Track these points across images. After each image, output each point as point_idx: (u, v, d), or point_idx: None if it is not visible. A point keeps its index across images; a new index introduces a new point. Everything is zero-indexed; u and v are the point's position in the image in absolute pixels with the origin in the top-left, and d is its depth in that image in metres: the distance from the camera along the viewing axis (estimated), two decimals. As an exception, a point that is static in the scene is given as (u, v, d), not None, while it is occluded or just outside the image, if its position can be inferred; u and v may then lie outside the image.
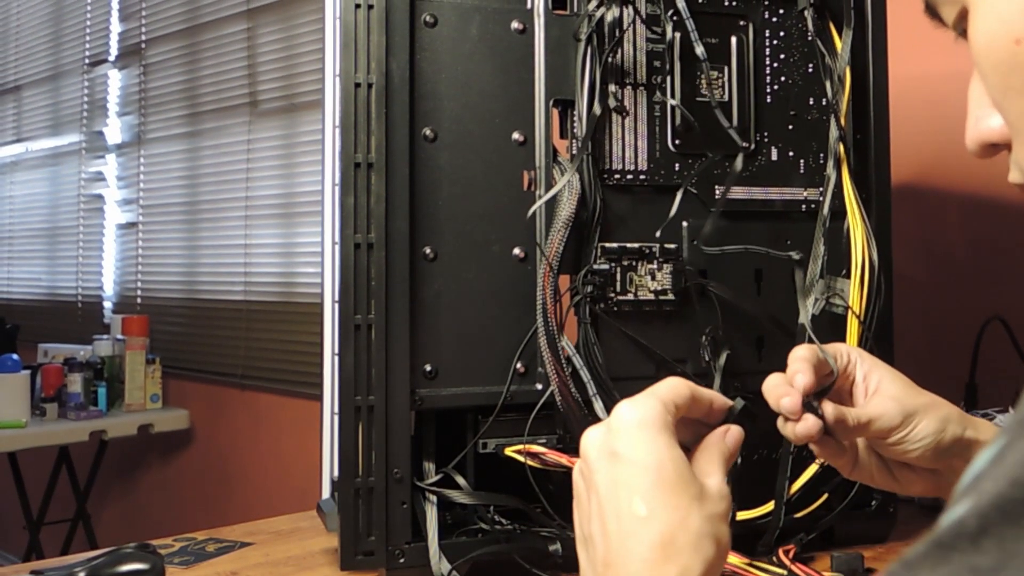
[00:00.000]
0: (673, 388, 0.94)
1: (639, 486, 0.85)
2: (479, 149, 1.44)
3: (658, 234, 1.48)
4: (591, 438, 0.92)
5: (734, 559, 1.38)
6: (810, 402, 1.04)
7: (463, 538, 1.41)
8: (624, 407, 0.91)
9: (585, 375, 1.40)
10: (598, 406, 1.40)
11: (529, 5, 1.47)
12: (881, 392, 1.09)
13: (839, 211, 1.52)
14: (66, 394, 4.38)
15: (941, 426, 1.05)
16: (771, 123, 1.57)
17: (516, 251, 1.44)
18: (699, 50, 1.50)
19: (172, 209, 5.01)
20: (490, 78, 1.45)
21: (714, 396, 0.99)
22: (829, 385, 1.07)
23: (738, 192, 1.54)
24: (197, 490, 4.78)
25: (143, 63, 5.23)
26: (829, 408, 1.04)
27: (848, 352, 1.12)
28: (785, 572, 1.37)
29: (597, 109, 1.45)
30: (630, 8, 1.49)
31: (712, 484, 0.90)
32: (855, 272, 1.48)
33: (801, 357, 1.08)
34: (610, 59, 1.48)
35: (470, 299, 1.43)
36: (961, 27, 0.76)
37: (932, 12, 0.80)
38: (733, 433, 0.99)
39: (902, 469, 1.11)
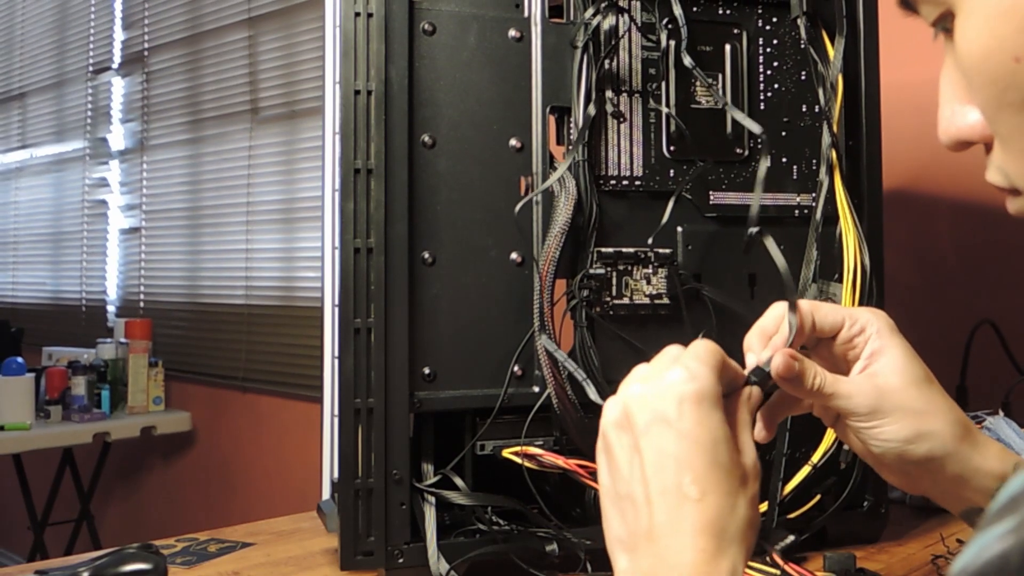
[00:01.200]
0: (715, 355, 0.93)
1: (693, 465, 0.84)
2: (477, 155, 1.44)
3: (650, 240, 1.48)
4: (638, 395, 0.89)
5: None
6: (759, 369, 1.03)
7: (461, 538, 1.41)
8: (679, 374, 0.89)
9: (580, 374, 1.39)
10: (590, 390, 1.40)
11: (526, 13, 1.47)
12: (872, 375, 1.04)
13: (831, 216, 1.52)
14: (70, 397, 4.38)
15: (913, 438, 1.01)
16: (765, 130, 1.57)
17: (513, 256, 1.44)
18: (687, 60, 1.50)
19: (174, 214, 5.01)
20: (488, 85, 1.45)
21: (735, 367, 0.99)
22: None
23: (732, 198, 1.54)
24: (199, 491, 4.78)
25: (146, 71, 5.23)
26: (799, 366, 1.02)
27: (865, 323, 1.07)
28: (778, 572, 1.37)
29: (591, 110, 1.45)
30: (625, 16, 1.49)
31: (748, 463, 0.90)
32: (847, 276, 1.48)
33: (774, 316, 1.09)
34: (606, 66, 1.48)
35: (468, 303, 1.43)
36: (942, 26, 0.74)
37: (907, 5, 0.78)
38: (755, 398, 1.00)
39: (870, 455, 1.07)
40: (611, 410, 0.91)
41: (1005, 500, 0.48)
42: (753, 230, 1.25)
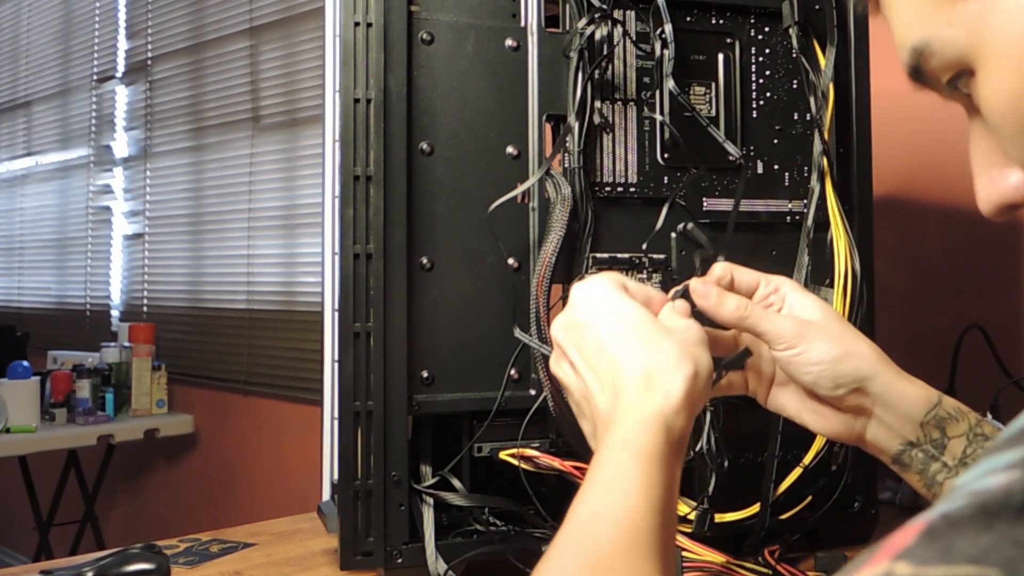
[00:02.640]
0: (615, 272, 1.06)
1: (606, 338, 0.94)
2: (474, 162, 1.44)
3: (644, 246, 1.48)
4: (555, 327, 1.01)
5: (721, 559, 1.38)
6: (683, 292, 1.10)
7: (459, 539, 1.41)
8: (579, 287, 1.00)
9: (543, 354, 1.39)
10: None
11: (522, 23, 1.47)
12: (791, 313, 1.11)
13: (823, 222, 1.53)
14: (75, 400, 4.37)
15: (840, 356, 1.06)
16: (757, 137, 1.57)
17: (510, 261, 1.44)
18: (670, 84, 1.51)
19: (177, 220, 5.01)
20: (485, 94, 1.45)
21: (650, 291, 1.06)
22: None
23: (725, 204, 1.54)
24: (201, 492, 4.78)
25: (149, 79, 5.23)
26: (731, 296, 1.10)
27: (779, 283, 1.15)
28: (770, 572, 1.37)
29: (573, 120, 1.45)
30: (619, 26, 1.49)
31: (677, 325, 0.98)
32: (838, 281, 1.49)
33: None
34: (600, 75, 1.48)
35: (466, 308, 1.43)
36: (955, 86, 0.71)
37: (918, 75, 0.74)
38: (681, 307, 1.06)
39: (814, 402, 1.12)
40: (557, 322, 1.03)
41: (1016, 430, 0.48)
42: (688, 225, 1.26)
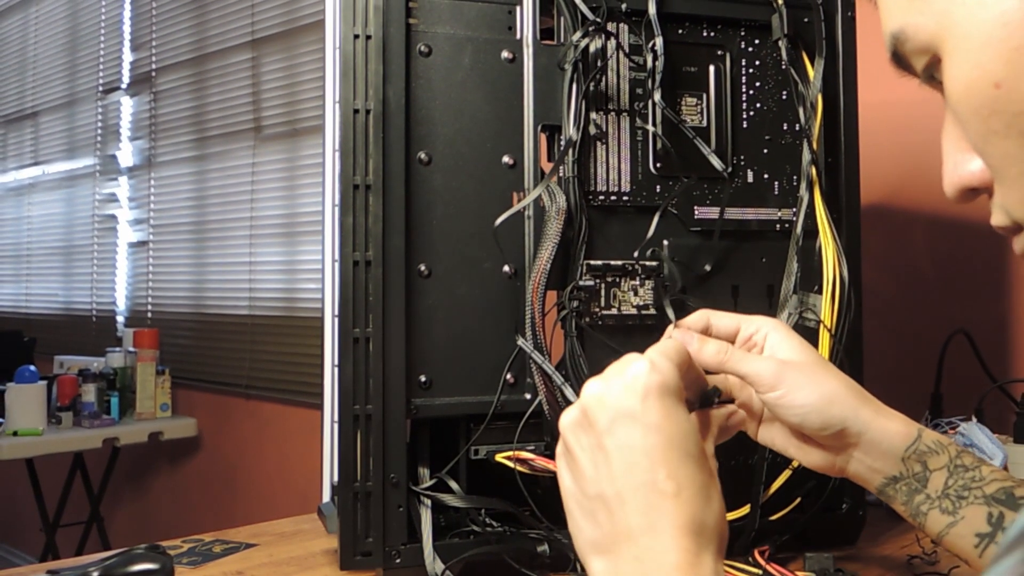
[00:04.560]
0: (680, 353, 0.93)
1: (665, 459, 0.82)
2: (471, 172, 1.44)
3: (636, 253, 1.48)
4: (597, 390, 0.88)
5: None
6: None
7: (456, 540, 1.41)
8: (643, 367, 0.87)
9: (558, 377, 1.39)
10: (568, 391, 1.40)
11: (518, 36, 1.47)
12: (771, 356, 1.11)
13: (811, 230, 1.52)
14: (81, 403, 4.37)
15: (822, 401, 1.06)
16: (747, 147, 1.57)
17: (506, 268, 1.44)
18: (656, 97, 1.51)
19: (181, 228, 5.01)
20: (481, 105, 1.45)
21: (698, 368, 1.01)
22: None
23: (715, 212, 1.54)
24: (204, 494, 4.77)
25: (153, 90, 5.23)
26: (712, 342, 1.10)
27: (760, 323, 1.15)
28: (760, 572, 1.37)
29: (575, 134, 1.45)
30: (613, 39, 1.49)
31: (711, 463, 0.88)
32: (827, 288, 1.48)
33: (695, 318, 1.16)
34: (593, 87, 1.48)
35: (462, 313, 1.43)
36: (928, 74, 0.74)
37: (899, 61, 0.77)
38: (738, 417, 1.04)
39: (801, 439, 1.13)
40: (569, 413, 0.89)
41: (1017, 533, 0.48)
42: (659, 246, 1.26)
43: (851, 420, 1.07)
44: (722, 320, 1.16)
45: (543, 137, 1.48)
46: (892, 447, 1.08)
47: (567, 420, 0.89)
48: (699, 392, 1.03)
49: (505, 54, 1.46)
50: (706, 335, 1.14)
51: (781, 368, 1.07)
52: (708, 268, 1.52)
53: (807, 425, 1.08)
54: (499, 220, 1.40)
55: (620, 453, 0.83)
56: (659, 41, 1.49)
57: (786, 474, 1.47)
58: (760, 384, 1.08)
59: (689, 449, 0.83)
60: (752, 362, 1.08)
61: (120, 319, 5.44)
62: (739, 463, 1.51)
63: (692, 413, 0.92)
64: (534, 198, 1.44)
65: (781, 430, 1.14)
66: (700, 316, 1.16)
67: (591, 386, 0.89)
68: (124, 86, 5.47)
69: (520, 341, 1.38)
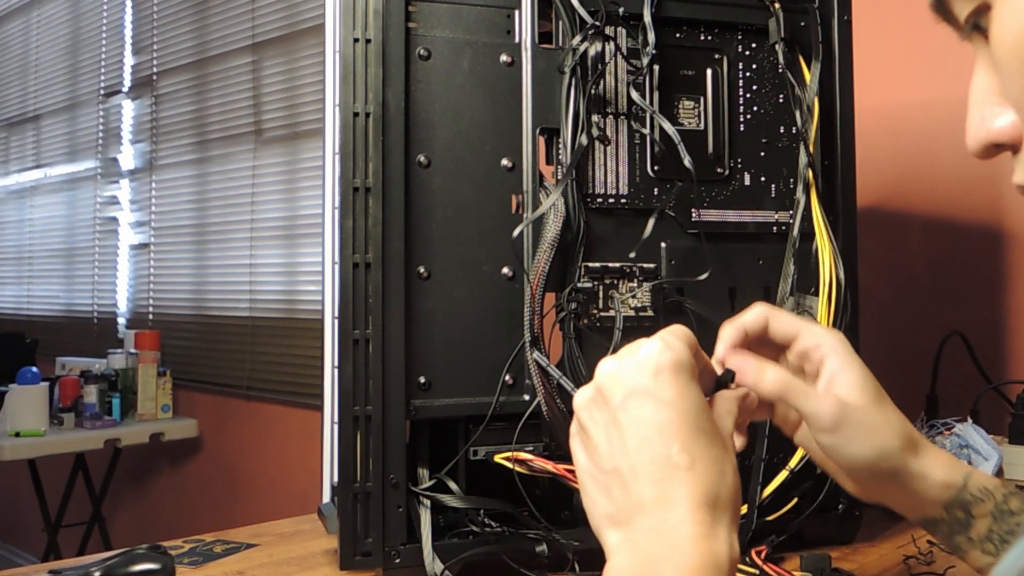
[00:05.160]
0: (689, 336, 0.90)
1: (679, 432, 0.81)
2: (470, 174, 1.44)
3: (632, 255, 1.48)
4: (611, 368, 0.86)
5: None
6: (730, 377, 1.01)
7: (455, 540, 1.41)
8: (656, 345, 0.86)
9: (569, 384, 1.39)
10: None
11: (517, 40, 1.47)
12: (835, 393, 1.02)
13: (808, 233, 1.53)
14: (82, 404, 4.37)
15: (876, 457, 1.01)
16: (744, 150, 1.57)
17: (505, 270, 1.44)
18: (635, 96, 1.51)
19: (182, 231, 5.01)
20: (480, 108, 1.45)
21: (706, 358, 0.96)
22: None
23: (713, 215, 1.54)
24: (205, 495, 4.77)
25: (155, 94, 5.23)
26: (772, 368, 1.01)
27: (820, 339, 1.06)
28: (757, 572, 1.37)
29: (584, 139, 1.45)
30: (611, 43, 1.49)
31: (726, 437, 0.88)
32: (823, 290, 1.48)
33: (753, 315, 1.07)
34: (592, 90, 1.48)
35: (462, 315, 1.43)
36: (973, 22, 0.71)
37: (941, 7, 0.73)
38: (752, 399, 0.98)
39: (835, 466, 1.07)
40: (582, 391, 0.88)
41: None
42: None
43: (900, 472, 1.02)
44: (781, 323, 1.08)
45: (541, 140, 1.48)
46: (938, 496, 1.03)
47: (581, 398, 0.88)
48: (712, 379, 1.00)
49: (504, 58, 1.47)
50: (763, 335, 1.07)
51: (841, 413, 1.00)
52: (706, 270, 1.52)
53: (854, 471, 1.03)
54: (516, 231, 1.40)
55: (634, 427, 0.82)
56: (652, 41, 1.49)
57: (783, 475, 1.47)
58: (816, 426, 1.01)
59: (702, 424, 0.82)
60: (813, 402, 1.00)
61: (121, 321, 5.44)
62: (737, 464, 1.51)
63: (708, 398, 0.91)
64: (549, 205, 1.44)
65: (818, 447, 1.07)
66: (760, 314, 1.07)
67: (605, 365, 0.87)
68: (125, 89, 5.47)
69: (535, 356, 1.38)
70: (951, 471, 1.04)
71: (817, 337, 1.06)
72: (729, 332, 1.07)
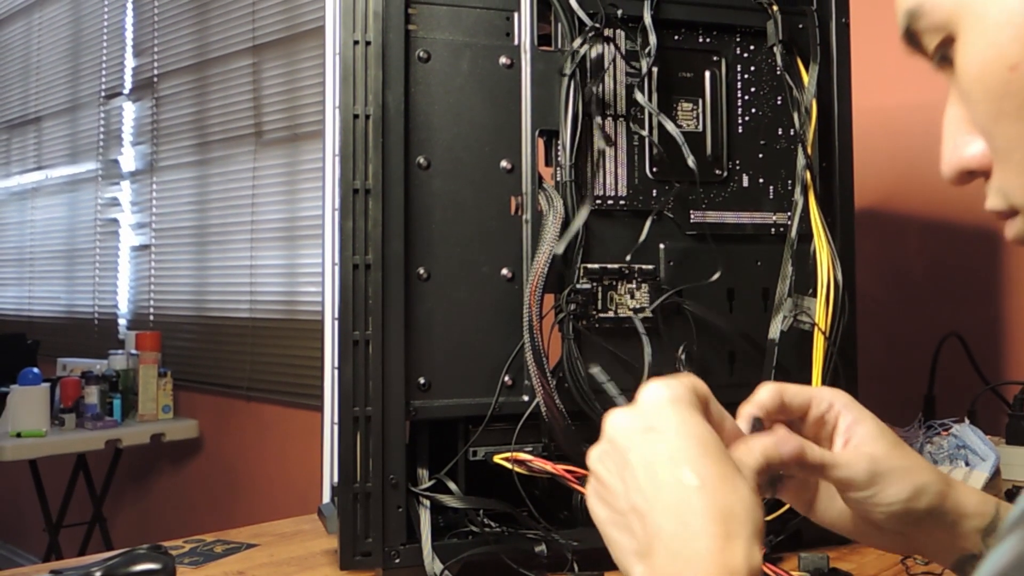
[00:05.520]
0: (695, 379, 0.90)
1: (685, 456, 0.80)
2: (469, 176, 1.44)
3: (628, 257, 1.48)
4: (618, 419, 0.87)
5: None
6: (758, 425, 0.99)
7: (455, 540, 1.41)
8: (653, 387, 0.86)
9: (613, 390, 1.39)
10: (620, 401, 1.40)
11: (516, 42, 1.48)
12: (857, 447, 1.01)
13: (806, 234, 1.53)
14: (83, 405, 4.36)
15: (913, 495, 0.99)
16: (742, 152, 1.58)
17: (504, 271, 1.44)
18: (640, 99, 1.51)
19: (182, 232, 5.01)
20: (480, 110, 1.45)
21: (724, 413, 0.94)
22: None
23: (711, 216, 1.54)
24: (206, 495, 4.77)
25: (155, 96, 5.22)
26: (793, 443, 1.00)
27: (832, 400, 1.05)
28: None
29: (602, 143, 1.45)
30: (610, 44, 1.49)
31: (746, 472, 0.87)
32: (821, 291, 1.48)
33: (756, 401, 1.03)
34: (592, 92, 1.48)
35: (461, 317, 1.43)
36: (941, 53, 0.73)
37: (911, 39, 0.76)
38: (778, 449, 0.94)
39: (867, 524, 1.04)
40: (595, 448, 0.88)
41: (1016, 515, 0.48)
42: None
43: (936, 508, 1.00)
44: (794, 395, 1.05)
45: (540, 142, 1.49)
46: (973, 528, 1.01)
47: (595, 454, 0.88)
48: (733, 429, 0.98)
49: (503, 60, 1.47)
50: (780, 410, 1.05)
51: (873, 467, 0.99)
52: (704, 272, 1.52)
53: (891, 519, 1.00)
54: (562, 246, 1.40)
55: (644, 463, 0.82)
56: (653, 42, 1.49)
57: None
58: (852, 486, 1.00)
59: (708, 445, 0.82)
60: (843, 467, 0.99)
61: (122, 322, 5.44)
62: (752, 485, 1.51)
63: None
64: (578, 227, 1.44)
65: (844, 514, 1.06)
66: (773, 394, 1.04)
67: (612, 418, 0.87)
68: (126, 91, 5.46)
69: (596, 370, 1.38)
70: (983, 502, 1.03)
71: (827, 399, 1.06)
72: (751, 410, 1.04)
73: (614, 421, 0.87)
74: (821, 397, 1.06)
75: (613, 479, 0.85)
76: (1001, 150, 0.70)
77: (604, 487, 0.86)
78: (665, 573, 0.78)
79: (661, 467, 0.81)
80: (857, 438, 1.03)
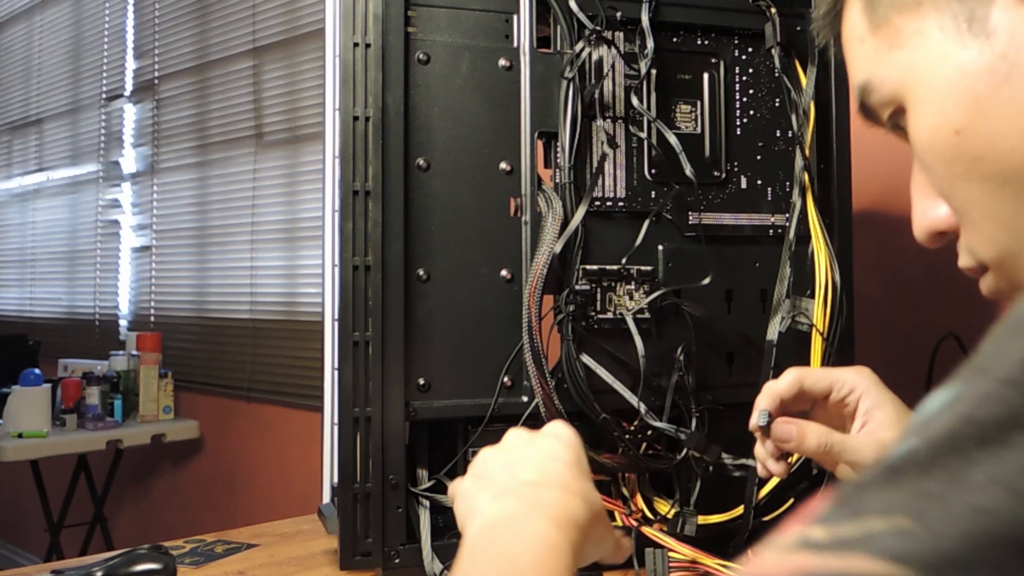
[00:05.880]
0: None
1: (562, 453, 0.91)
2: (469, 178, 1.44)
3: (624, 261, 1.48)
4: (540, 431, 0.96)
5: (708, 560, 1.38)
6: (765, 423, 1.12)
7: (454, 540, 1.40)
8: (554, 423, 0.97)
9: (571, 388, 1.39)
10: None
11: (515, 44, 1.48)
12: (872, 431, 1.10)
13: (804, 235, 1.53)
14: (85, 406, 4.36)
15: None
16: (741, 154, 1.58)
17: (503, 273, 1.44)
18: (635, 100, 1.51)
19: (183, 234, 5.00)
20: (479, 112, 1.45)
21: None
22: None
23: (710, 218, 1.54)
24: (206, 495, 4.77)
25: (156, 98, 5.22)
26: (811, 431, 1.08)
27: (854, 384, 1.13)
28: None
29: (608, 148, 1.46)
30: (609, 47, 1.49)
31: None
32: (819, 292, 1.49)
33: (787, 380, 1.15)
34: (592, 95, 1.48)
35: (460, 318, 1.43)
36: (894, 123, 0.78)
37: (866, 111, 0.81)
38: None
39: None
40: (457, 483, 0.98)
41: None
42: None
43: None
44: (814, 380, 1.16)
45: (540, 144, 1.49)
46: None
47: (518, 439, 0.97)
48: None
49: (502, 62, 1.47)
50: (800, 396, 1.16)
51: (882, 453, 1.04)
52: (702, 273, 1.52)
53: None
54: (559, 245, 1.40)
55: (542, 449, 0.93)
56: (650, 42, 1.49)
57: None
58: (860, 464, 1.09)
59: (576, 454, 0.92)
60: (852, 452, 1.09)
61: (123, 323, 5.43)
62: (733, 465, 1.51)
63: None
64: (574, 226, 1.44)
65: None
66: (793, 379, 1.16)
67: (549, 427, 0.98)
68: (127, 93, 5.46)
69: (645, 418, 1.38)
70: None
71: (849, 383, 1.14)
72: (764, 401, 1.16)
73: (547, 429, 0.97)
74: (843, 381, 1.15)
75: (521, 450, 0.94)
76: (960, 211, 0.74)
77: (483, 463, 0.95)
78: (511, 504, 0.86)
79: (548, 453, 0.92)
80: (874, 423, 1.11)
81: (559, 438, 0.94)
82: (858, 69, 0.80)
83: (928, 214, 0.79)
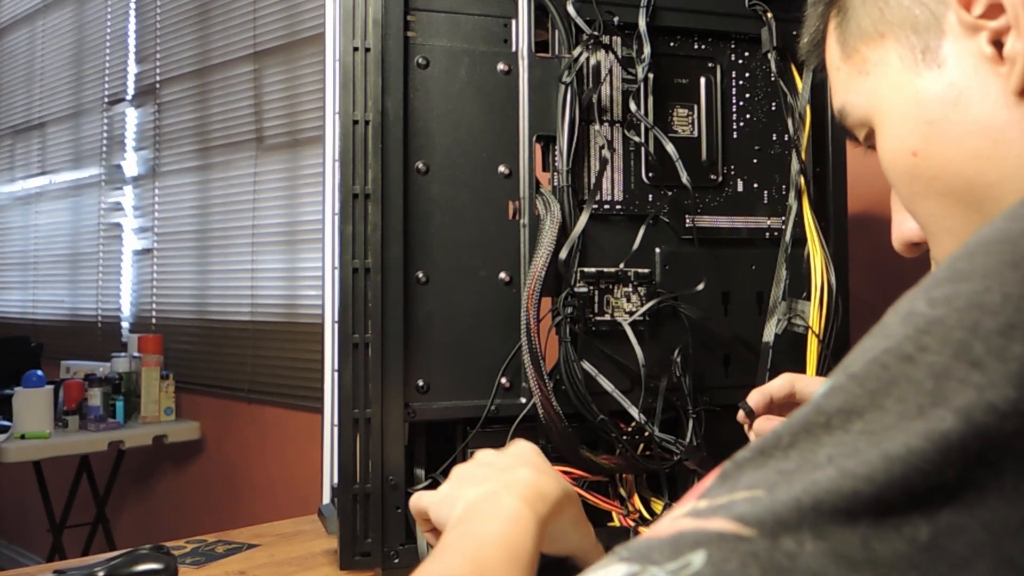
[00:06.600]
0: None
1: (531, 452, 1.04)
2: (468, 181, 1.44)
3: (622, 264, 1.48)
4: (511, 448, 1.07)
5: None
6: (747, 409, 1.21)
7: (453, 541, 1.41)
8: (518, 441, 1.08)
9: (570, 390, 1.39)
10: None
11: (514, 48, 1.48)
12: None
13: (800, 238, 1.53)
14: (87, 407, 4.36)
15: None
16: (737, 157, 1.58)
17: (502, 275, 1.44)
18: (633, 106, 1.51)
19: (184, 236, 5.00)
20: (478, 115, 1.45)
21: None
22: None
23: (706, 221, 1.54)
24: (207, 496, 4.77)
25: (158, 102, 5.22)
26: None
27: None
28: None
29: (607, 154, 1.45)
30: (607, 52, 1.49)
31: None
32: (815, 294, 1.49)
33: (779, 383, 1.23)
34: (590, 99, 1.48)
35: (459, 320, 1.43)
36: (868, 143, 0.83)
37: (846, 132, 0.86)
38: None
39: None
40: (423, 495, 1.07)
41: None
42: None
43: None
44: (806, 385, 1.22)
45: (538, 147, 1.49)
46: None
47: (489, 455, 1.06)
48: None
49: (501, 66, 1.47)
50: (791, 399, 1.21)
51: None
52: (699, 276, 1.52)
53: None
54: (564, 251, 1.40)
55: (513, 455, 1.04)
56: (647, 51, 1.49)
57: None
58: None
59: (541, 461, 1.03)
60: None
61: (125, 325, 5.43)
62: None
63: None
64: (577, 235, 1.44)
65: None
66: (785, 382, 1.22)
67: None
68: (129, 97, 5.46)
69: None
70: None
71: None
72: (756, 398, 1.23)
73: (510, 448, 1.07)
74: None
75: (492, 460, 1.03)
76: (923, 225, 0.79)
77: (460, 471, 1.04)
78: (488, 487, 0.96)
79: (518, 458, 1.02)
80: None
81: (526, 445, 1.06)
82: (836, 94, 0.86)
83: (903, 227, 0.85)
